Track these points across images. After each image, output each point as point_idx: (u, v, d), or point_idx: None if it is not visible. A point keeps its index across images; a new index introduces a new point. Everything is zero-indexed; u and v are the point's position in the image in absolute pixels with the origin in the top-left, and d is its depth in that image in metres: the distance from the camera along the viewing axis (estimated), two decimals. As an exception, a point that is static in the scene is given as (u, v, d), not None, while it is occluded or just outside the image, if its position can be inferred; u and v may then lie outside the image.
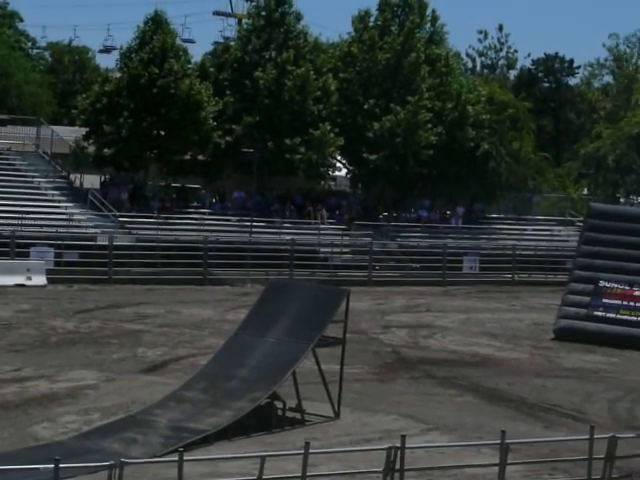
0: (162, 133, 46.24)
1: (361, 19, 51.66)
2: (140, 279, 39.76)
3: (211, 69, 49.29)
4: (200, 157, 48.47)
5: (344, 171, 55.09)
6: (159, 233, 43.43)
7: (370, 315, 34.05)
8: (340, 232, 48.03)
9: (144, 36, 46.78)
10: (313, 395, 19.19)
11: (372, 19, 51.90)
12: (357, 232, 48.26)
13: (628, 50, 71.66)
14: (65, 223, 42.35)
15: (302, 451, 12.69)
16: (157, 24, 46.98)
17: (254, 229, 45.54)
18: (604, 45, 72.33)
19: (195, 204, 48.17)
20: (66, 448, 15.89)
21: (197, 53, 54.81)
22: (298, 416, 18.59)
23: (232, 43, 51.19)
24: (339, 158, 52.41)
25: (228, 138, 47.51)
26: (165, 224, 44.50)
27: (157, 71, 45.73)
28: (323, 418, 18.75)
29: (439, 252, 47.25)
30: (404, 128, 48.94)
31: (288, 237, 45.17)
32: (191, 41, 58.85)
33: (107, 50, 64.65)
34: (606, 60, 72.89)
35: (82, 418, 18.21)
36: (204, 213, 46.97)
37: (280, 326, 19.45)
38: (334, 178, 56.72)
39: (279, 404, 18.52)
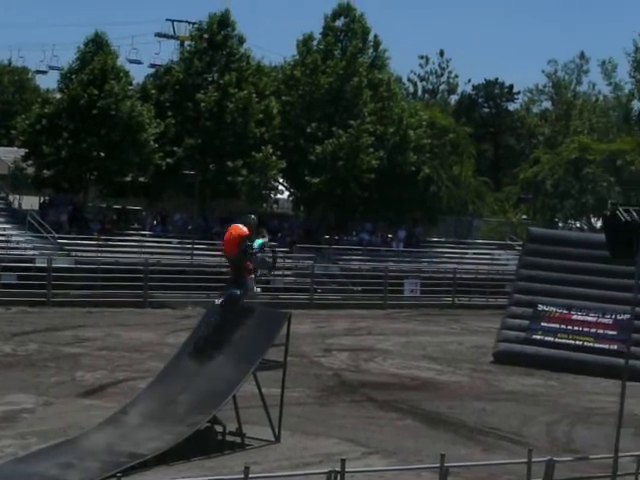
0: (102, 154, 45.98)
1: (305, 43, 51.86)
2: (79, 302, 39.39)
3: (153, 91, 49.16)
4: (141, 179, 48.28)
5: (286, 194, 55.17)
6: (99, 255, 43.09)
7: (311, 338, 34.03)
8: (282, 255, 47.96)
9: (84, 57, 46.57)
10: (254, 419, 19.12)
11: (315, 43, 52.11)
12: (299, 255, 48.27)
13: (566, 77, 72.52)
14: (3, 245, 41.88)
15: (242, 476, 12.63)
16: (98, 45, 46.81)
17: (195, 251, 45.38)
18: (543, 71, 73.20)
19: (136, 226, 47.88)
20: (2, 473, 15.66)
21: (141, 75, 54.72)
22: (238, 440, 18.51)
23: (174, 65, 51.07)
24: (281, 181, 52.48)
25: (169, 160, 47.36)
26: (105, 246, 44.18)
27: (97, 92, 45.53)
28: (263, 442, 18.68)
29: (380, 275, 47.42)
30: (346, 152, 49.14)
31: (229, 260, 44.98)
32: (138, 62, 58.64)
33: (44, 71, 64.08)
34: (545, 86, 73.75)
35: (19, 442, 17.97)
36: (145, 235, 46.71)
37: (221, 350, 19.35)
38: (276, 201, 56.77)
39: (219, 428, 18.43)
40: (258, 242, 20.02)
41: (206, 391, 18.64)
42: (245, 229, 19.72)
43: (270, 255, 20.80)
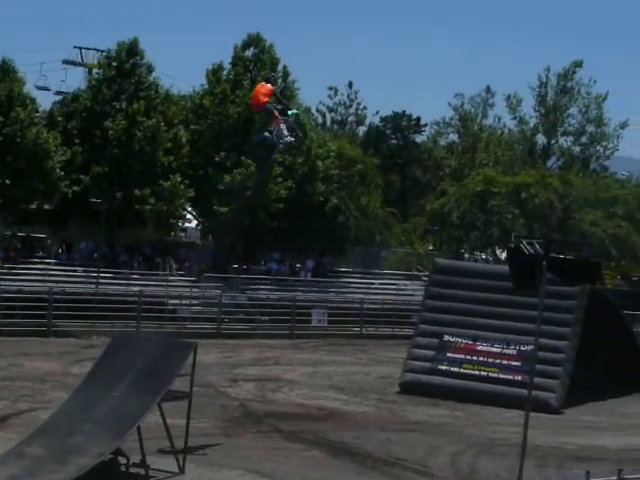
0: (7, 182, 45.34)
1: (214, 72, 51.84)
2: (-18, 331, 38.72)
3: (59, 118, 48.67)
4: (46, 206, 47.66)
5: (194, 223, 54.98)
6: (2, 283, 42.38)
7: (218, 368, 33.86)
8: (189, 284, 47.79)
9: (-10, 84, 45.99)
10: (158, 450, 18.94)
11: (225, 73, 52.12)
12: (206, 284, 48.08)
13: (473, 110, 73.67)
14: None
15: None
16: (4, 72, 46.25)
17: (101, 280, 44.93)
18: (450, 104, 74.31)
19: (40, 254, 47.27)
20: None
21: (48, 102, 54.23)
22: (142, 472, 18.30)
23: (82, 92, 50.64)
24: (189, 210, 52.29)
25: (76, 188, 46.90)
26: (9, 274, 43.50)
27: (3, 119, 44.96)
28: (168, 474, 18.49)
29: (288, 305, 47.44)
30: (255, 181, 49.13)
31: (136, 288, 44.70)
32: (46, 89, 57.94)
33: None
34: (452, 119, 74.83)
35: None
36: (49, 263, 46.12)
37: (126, 380, 19.15)
38: (184, 229, 56.56)
39: (123, 460, 18.21)
40: (293, 111, 22.66)
41: (110, 422, 18.41)
42: (269, 85, 21.87)
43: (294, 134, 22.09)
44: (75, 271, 46.21)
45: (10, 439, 19.71)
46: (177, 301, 46.04)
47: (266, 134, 21.98)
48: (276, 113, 22.16)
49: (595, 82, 68.58)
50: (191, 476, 18.62)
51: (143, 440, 18.36)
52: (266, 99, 21.72)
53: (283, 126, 21.95)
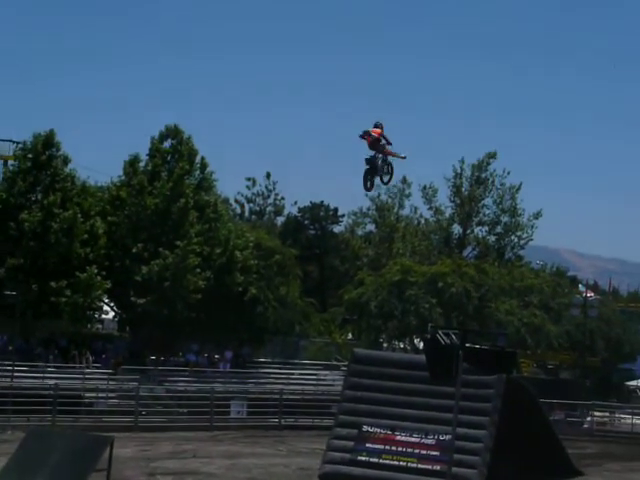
0: None
1: (131, 163, 51.91)
2: None
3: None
4: (-40, 299, 46.99)
5: (111, 314, 54.53)
6: None
7: (135, 462, 33.36)
8: (106, 376, 47.23)
9: None
10: None
11: (142, 164, 52.21)
12: (124, 376, 47.58)
13: (390, 200, 74.50)
14: None
15: None
16: None
17: (16, 373, 44.20)
18: (367, 195, 74.96)
19: (-47, 347, 46.46)
20: None
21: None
22: None
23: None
24: (106, 301, 51.89)
25: (-9, 280, 46.37)
26: None
27: None
28: None
29: (207, 396, 47.05)
30: (173, 272, 49.04)
31: (52, 382, 44.03)
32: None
33: None
34: (369, 209, 75.53)
35: None
36: (-37, 357, 45.30)
37: (41, 476, 18.85)
38: (101, 321, 56.06)
39: None
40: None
41: (24, 520, 18.06)
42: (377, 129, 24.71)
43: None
44: (-12, 365, 45.40)
45: None
46: (94, 394, 45.44)
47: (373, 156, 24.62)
48: (387, 144, 24.84)
49: (509, 173, 69.93)
50: None
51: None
52: (378, 132, 24.46)
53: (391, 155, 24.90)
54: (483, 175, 69.75)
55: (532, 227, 70.38)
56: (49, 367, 46.46)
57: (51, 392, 42.94)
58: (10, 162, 53.80)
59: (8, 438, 36.74)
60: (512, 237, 70.97)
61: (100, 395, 45.66)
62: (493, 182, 69.83)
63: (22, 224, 47.22)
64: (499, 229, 70.68)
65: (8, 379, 43.65)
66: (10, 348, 46.52)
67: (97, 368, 47.92)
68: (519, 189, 70.17)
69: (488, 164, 69.74)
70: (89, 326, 53.22)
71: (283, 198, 76.09)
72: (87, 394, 45.11)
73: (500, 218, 70.35)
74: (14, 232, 47.41)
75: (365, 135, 24.59)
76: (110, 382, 46.85)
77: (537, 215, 70.49)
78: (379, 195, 74.45)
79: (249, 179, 75.52)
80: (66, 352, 48.22)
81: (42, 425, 37.90)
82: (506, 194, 69.92)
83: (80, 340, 49.82)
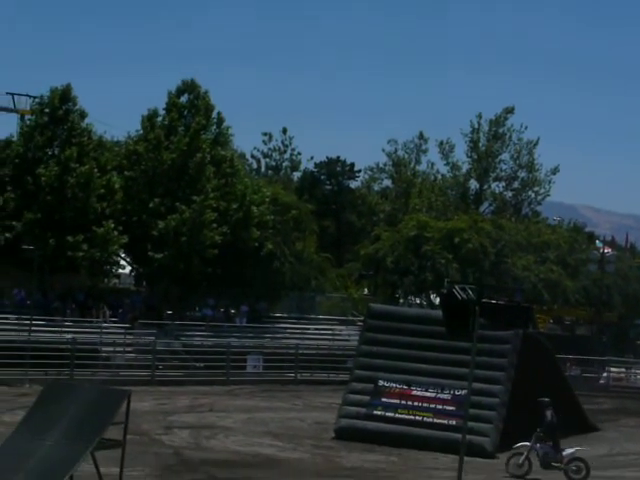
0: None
1: (149, 118, 51.79)
2: None
3: (-8, 164, 48.32)
4: (-22, 254, 47.19)
5: (128, 269, 54.66)
6: None
7: (152, 416, 33.59)
8: (123, 331, 47.43)
9: None
10: (91, 500, 18.71)
11: (159, 119, 52.09)
12: (140, 331, 47.78)
13: (406, 156, 74.35)
14: None
15: None
16: None
17: (34, 327, 44.43)
18: (383, 150, 74.92)
19: (-28, 302, 46.72)
20: None
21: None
22: (75, 522, 18.08)
23: (14, 139, 50.32)
24: (123, 256, 52.00)
25: (8, 235, 46.49)
26: (-61, 322, 42.92)
27: None
28: (101, 523, 18.28)
29: (223, 351, 47.26)
30: (189, 227, 49.08)
31: (69, 336, 44.29)
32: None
33: None
34: (385, 165, 75.41)
35: None
36: (-19, 311, 45.56)
37: (58, 428, 18.95)
38: (118, 276, 56.18)
39: (56, 510, 17.98)
40: None
41: (42, 471, 18.19)
42: None
43: None
44: (7, 319, 45.67)
45: (-61, 490, 19.38)
46: (111, 348, 45.67)
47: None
48: None
49: (526, 128, 69.78)
50: (125, 526, 18.43)
51: (76, 490, 18.17)
52: None
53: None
54: (500, 130, 69.55)
55: (549, 183, 70.31)
56: (66, 321, 46.67)
57: (69, 346, 43.20)
58: (27, 116, 53.79)
59: (27, 391, 37.07)
60: (529, 193, 70.90)
61: (117, 349, 45.89)
62: (510, 137, 69.68)
63: (39, 178, 47.25)
64: (516, 185, 70.56)
65: (26, 333, 43.88)
66: (28, 302, 46.74)
67: (114, 322, 48.13)
68: (536, 144, 70.05)
69: (505, 119, 69.52)
70: (106, 281, 53.40)
71: (299, 153, 76.01)
72: (104, 348, 45.34)
73: (517, 173, 70.23)
74: (31, 187, 47.46)
75: None
76: (127, 336, 47.06)
77: (554, 171, 70.37)
78: (396, 151, 74.34)
79: (265, 134, 75.40)
80: (83, 306, 48.42)
81: (60, 379, 38.16)
82: (523, 149, 69.79)
83: (97, 294, 50.01)
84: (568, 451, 25.22)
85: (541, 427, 25.12)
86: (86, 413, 19.07)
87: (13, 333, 43.94)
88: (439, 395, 30.67)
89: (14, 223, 46.71)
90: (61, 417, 19.10)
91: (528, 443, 25.28)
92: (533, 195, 70.84)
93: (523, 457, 25.23)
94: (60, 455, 18.38)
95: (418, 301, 60.47)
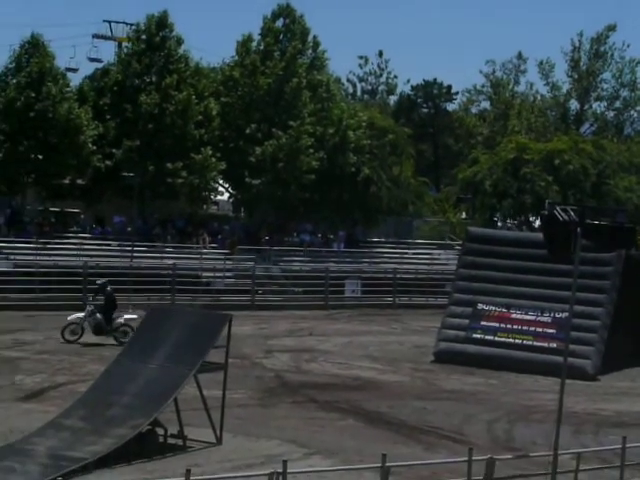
0: (40, 157, 45.58)
1: (244, 44, 51.69)
2: (18, 305, 39.03)
3: (91, 93, 48.77)
4: (79, 181, 47.91)
5: (226, 195, 55.04)
6: (37, 258, 42.69)
7: (253, 340, 34.00)
8: (222, 256, 47.89)
9: (20, 59, 46.11)
10: (195, 421, 19.06)
11: (255, 44, 51.98)
12: (240, 256, 48.20)
13: (504, 77, 73.16)
14: (-60, 248, 41.38)
15: (183, 478, 12.59)
16: (34, 47, 46.38)
17: (135, 254, 45.11)
18: (481, 72, 73.80)
19: (74, 229, 47.51)
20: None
21: (79, 76, 54.51)
22: (180, 442, 18.45)
23: (112, 67, 50.71)
24: (221, 182, 52.33)
25: (108, 162, 47.07)
26: (44, 249, 43.74)
27: (34, 95, 45.12)
28: (205, 444, 18.62)
29: (321, 276, 47.47)
30: (286, 153, 49.11)
31: (170, 262, 44.87)
32: (74, 70, 57.59)
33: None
34: (483, 86, 74.34)
35: (-43, 449, 17.74)
36: (84, 238, 46.30)
37: (162, 352, 19.28)
38: (216, 202, 56.64)
39: (161, 431, 18.35)
40: None
41: (147, 394, 18.56)
42: None
43: None
44: (109, 245, 46.42)
45: (49, 412, 19.93)
46: (211, 274, 46.17)
47: None
48: None
49: (629, 46, 68.01)
50: (228, 446, 18.74)
51: (180, 411, 18.51)
52: None
53: None
54: (602, 48, 67.98)
55: (652, 101, 68.63)
56: (167, 247, 47.26)
57: (170, 272, 43.79)
58: (124, 44, 54.13)
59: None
60: (631, 112, 69.38)
61: (217, 275, 46.39)
62: (612, 55, 68.06)
63: (140, 106, 47.55)
64: (618, 104, 69.08)
65: (128, 259, 44.58)
66: (129, 229, 47.42)
67: (214, 248, 48.59)
68: (639, 63, 68.25)
69: (607, 37, 67.87)
70: (205, 207, 53.84)
71: (396, 76, 75.30)
72: (204, 274, 45.86)
73: (619, 93, 68.70)
74: (130, 114, 47.83)
75: None
76: (226, 262, 47.50)
77: (657, 89, 68.61)
78: (494, 72, 73.16)
79: (361, 57, 74.81)
80: (183, 233, 48.97)
81: (162, 304, 38.77)
82: (626, 68, 68.16)
83: (196, 221, 50.50)
84: (118, 321, 31.05)
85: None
86: (189, 337, 19.37)
87: (115, 260, 44.63)
88: (539, 318, 30.48)
89: (114, 151, 47.24)
90: (165, 341, 19.43)
91: (82, 314, 31.15)
92: (636, 115, 69.38)
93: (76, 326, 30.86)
94: (164, 378, 18.73)
95: (517, 224, 59.87)
